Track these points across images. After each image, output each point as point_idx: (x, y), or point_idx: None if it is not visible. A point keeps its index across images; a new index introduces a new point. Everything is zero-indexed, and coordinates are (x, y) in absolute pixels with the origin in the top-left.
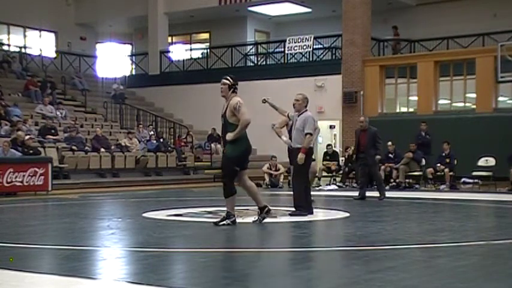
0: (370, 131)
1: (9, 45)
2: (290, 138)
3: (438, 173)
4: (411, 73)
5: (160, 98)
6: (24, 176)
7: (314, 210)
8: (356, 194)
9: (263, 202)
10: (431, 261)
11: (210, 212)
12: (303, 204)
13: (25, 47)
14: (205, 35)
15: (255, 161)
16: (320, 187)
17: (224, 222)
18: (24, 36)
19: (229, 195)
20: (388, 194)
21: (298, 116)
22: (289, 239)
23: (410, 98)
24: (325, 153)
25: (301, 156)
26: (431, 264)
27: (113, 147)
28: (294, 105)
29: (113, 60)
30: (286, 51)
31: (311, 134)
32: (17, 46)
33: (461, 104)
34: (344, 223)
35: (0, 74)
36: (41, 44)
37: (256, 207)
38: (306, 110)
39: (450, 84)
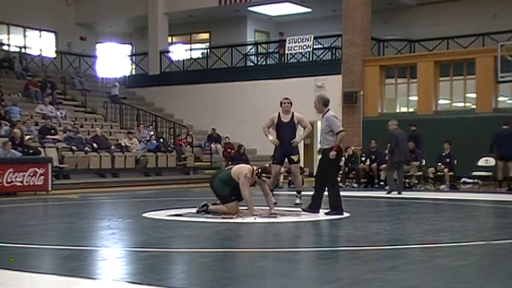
0: None
1: (9, 45)
2: (278, 137)
3: (438, 173)
4: (411, 73)
5: (160, 98)
6: (24, 176)
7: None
8: (355, 194)
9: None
10: (432, 261)
11: (210, 212)
12: (340, 204)
13: (25, 47)
14: (205, 35)
15: (254, 161)
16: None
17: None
18: (24, 36)
19: None
20: (387, 194)
21: (322, 117)
22: (290, 239)
23: (410, 98)
24: None
25: (332, 153)
26: (431, 264)
27: (112, 147)
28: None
29: (113, 60)
30: (286, 51)
31: (342, 131)
32: (17, 46)
33: (461, 104)
34: (344, 223)
35: (1, 74)
36: (41, 44)
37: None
38: (328, 110)
39: (450, 84)
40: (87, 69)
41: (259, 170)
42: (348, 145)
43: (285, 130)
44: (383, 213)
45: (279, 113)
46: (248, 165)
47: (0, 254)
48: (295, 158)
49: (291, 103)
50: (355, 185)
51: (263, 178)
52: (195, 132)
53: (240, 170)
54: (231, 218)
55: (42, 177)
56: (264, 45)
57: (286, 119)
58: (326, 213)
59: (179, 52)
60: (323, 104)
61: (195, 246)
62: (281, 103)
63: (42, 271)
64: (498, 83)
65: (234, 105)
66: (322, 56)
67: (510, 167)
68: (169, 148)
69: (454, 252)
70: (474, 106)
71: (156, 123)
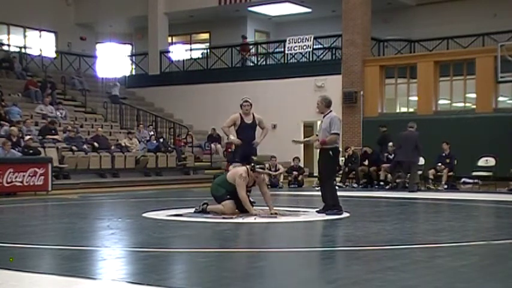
0: None
1: (9, 45)
2: (240, 138)
3: (439, 173)
4: (411, 73)
5: (160, 98)
6: (24, 176)
7: (313, 210)
8: (355, 194)
9: None
10: (432, 261)
11: (210, 212)
12: (337, 202)
13: (25, 47)
14: (205, 35)
15: None
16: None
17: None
18: (24, 36)
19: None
20: (387, 194)
21: (324, 117)
22: (289, 239)
23: (410, 98)
24: None
25: (317, 143)
26: (432, 264)
27: (112, 147)
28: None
29: (112, 60)
30: (286, 51)
31: (338, 134)
32: (17, 46)
33: (461, 104)
34: (344, 223)
35: (1, 74)
36: (41, 44)
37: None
38: (331, 111)
39: (450, 84)
40: (87, 69)
41: (252, 164)
42: (348, 145)
43: (247, 131)
44: (383, 213)
45: (240, 114)
46: (243, 167)
47: (0, 254)
48: (255, 158)
49: (251, 104)
50: (355, 185)
51: (258, 169)
52: (195, 132)
53: (236, 172)
54: (231, 218)
55: (42, 177)
56: (264, 45)
57: (248, 120)
58: (318, 211)
59: (179, 52)
60: (326, 105)
61: (195, 246)
62: (241, 105)
63: (42, 271)
64: (498, 83)
65: (234, 105)
66: (322, 56)
67: None
68: (169, 148)
69: (454, 252)
70: (474, 106)
71: (156, 123)
